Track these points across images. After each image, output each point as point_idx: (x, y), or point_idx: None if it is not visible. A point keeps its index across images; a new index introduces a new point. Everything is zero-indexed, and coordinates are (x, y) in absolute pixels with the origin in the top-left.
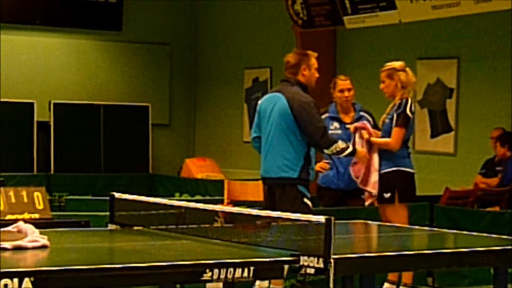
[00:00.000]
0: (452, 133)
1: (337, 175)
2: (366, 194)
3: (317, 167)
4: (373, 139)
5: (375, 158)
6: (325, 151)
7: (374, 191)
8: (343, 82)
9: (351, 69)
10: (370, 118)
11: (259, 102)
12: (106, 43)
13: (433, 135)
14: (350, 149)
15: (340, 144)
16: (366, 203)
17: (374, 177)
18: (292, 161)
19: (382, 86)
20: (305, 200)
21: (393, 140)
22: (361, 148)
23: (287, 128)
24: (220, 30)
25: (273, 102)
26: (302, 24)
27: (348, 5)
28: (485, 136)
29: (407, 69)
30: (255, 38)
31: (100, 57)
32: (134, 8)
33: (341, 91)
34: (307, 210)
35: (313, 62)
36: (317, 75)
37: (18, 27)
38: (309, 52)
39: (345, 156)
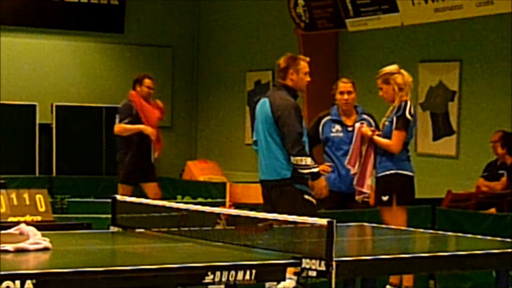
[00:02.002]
0: (454, 135)
1: (339, 178)
2: (358, 191)
3: (319, 169)
4: (376, 137)
5: (371, 161)
6: (291, 158)
7: (369, 192)
8: (344, 85)
9: (353, 72)
10: (372, 121)
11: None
12: (108, 45)
13: (435, 138)
14: (315, 170)
15: (308, 160)
16: (358, 198)
17: (369, 180)
18: (284, 161)
19: (381, 93)
20: (306, 196)
21: (393, 143)
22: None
23: (273, 131)
24: (222, 32)
25: (262, 107)
26: (304, 27)
27: (350, 7)
28: (487, 139)
29: (402, 70)
30: (257, 40)
31: (102, 59)
32: (136, 11)
33: (341, 93)
34: (311, 207)
35: (302, 66)
36: (307, 79)
37: (20, 29)
38: (300, 56)
39: (305, 174)
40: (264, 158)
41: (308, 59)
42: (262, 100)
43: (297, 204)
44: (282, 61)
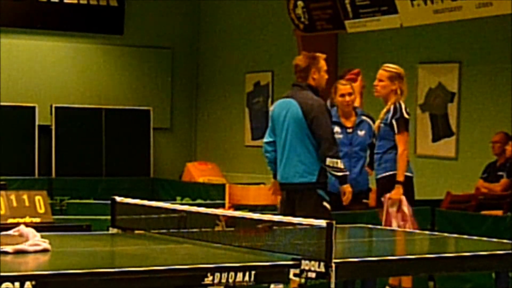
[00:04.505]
0: (454, 137)
1: None
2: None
3: None
4: (398, 186)
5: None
6: (327, 160)
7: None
8: (343, 87)
9: None
10: (371, 122)
11: (271, 108)
12: (107, 47)
13: (434, 139)
14: (344, 173)
15: (340, 163)
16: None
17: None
18: (310, 165)
19: (379, 84)
20: (324, 203)
21: (401, 149)
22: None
23: (302, 133)
24: (222, 34)
25: (286, 108)
26: (303, 28)
27: (349, 9)
28: (486, 140)
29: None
30: (257, 42)
31: (102, 61)
32: (136, 12)
33: (342, 95)
34: (327, 214)
35: (322, 64)
36: (326, 76)
37: (20, 31)
38: (318, 54)
39: (335, 177)
40: (287, 161)
41: (324, 56)
42: (283, 101)
43: (317, 210)
44: (301, 61)
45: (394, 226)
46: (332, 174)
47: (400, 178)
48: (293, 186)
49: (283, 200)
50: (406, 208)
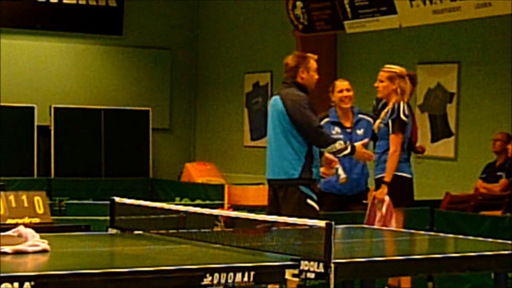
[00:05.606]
0: (453, 137)
1: (339, 180)
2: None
3: (321, 173)
4: (384, 187)
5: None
6: (322, 149)
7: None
8: (341, 83)
9: (351, 74)
10: (370, 120)
11: None
12: (106, 48)
13: (433, 140)
14: (348, 150)
15: (337, 145)
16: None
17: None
18: (293, 161)
19: (380, 85)
20: (309, 201)
21: (392, 149)
22: (361, 149)
23: (285, 129)
24: (221, 34)
25: (273, 105)
26: (302, 29)
27: (348, 9)
28: (485, 141)
29: (406, 77)
30: (256, 42)
31: (101, 62)
32: (135, 13)
33: (341, 91)
34: (313, 212)
35: (312, 64)
36: (316, 76)
37: (19, 31)
38: (308, 54)
39: (344, 156)
40: (272, 157)
41: (316, 56)
42: (273, 98)
43: (299, 207)
44: (291, 60)
45: (376, 225)
46: (340, 156)
47: (387, 178)
48: (277, 183)
49: (270, 197)
50: (384, 208)
